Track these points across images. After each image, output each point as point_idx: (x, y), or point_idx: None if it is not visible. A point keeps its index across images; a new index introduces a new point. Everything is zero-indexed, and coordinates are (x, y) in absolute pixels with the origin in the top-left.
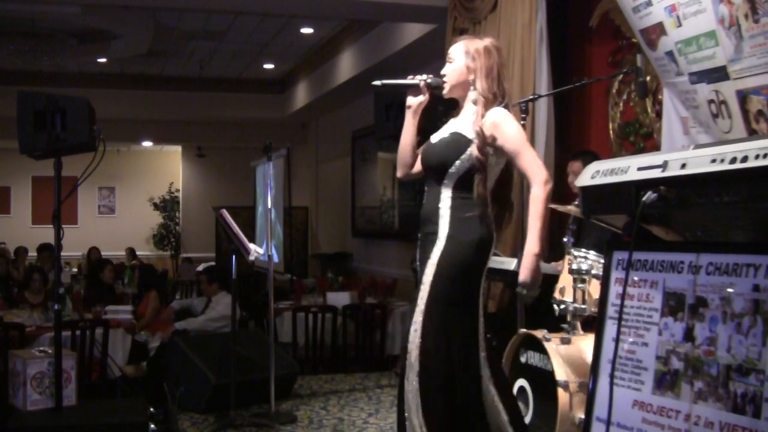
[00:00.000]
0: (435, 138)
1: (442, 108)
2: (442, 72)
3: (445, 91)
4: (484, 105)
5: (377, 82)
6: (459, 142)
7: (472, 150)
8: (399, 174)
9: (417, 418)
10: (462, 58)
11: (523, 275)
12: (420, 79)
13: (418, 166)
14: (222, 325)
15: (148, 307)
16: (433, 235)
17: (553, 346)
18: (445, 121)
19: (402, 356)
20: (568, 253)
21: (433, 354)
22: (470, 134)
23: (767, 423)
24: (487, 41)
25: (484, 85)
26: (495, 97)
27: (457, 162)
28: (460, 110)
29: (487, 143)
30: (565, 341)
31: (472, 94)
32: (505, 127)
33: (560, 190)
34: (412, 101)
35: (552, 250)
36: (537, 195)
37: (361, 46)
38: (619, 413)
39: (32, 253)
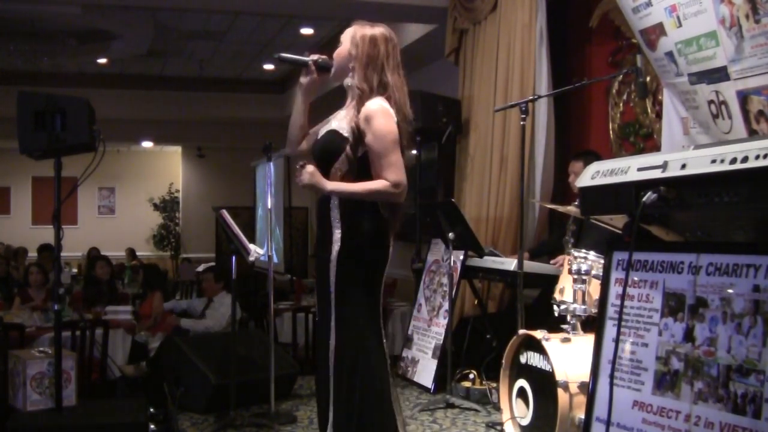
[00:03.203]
0: (320, 131)
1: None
2: (335, 54)
3: (331, 75)
4: (359, 97)
5: (278, 55)
6: (334, 142)
7: (348, 151)
8: (287, 150)
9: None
10: (348, 43)
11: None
12: (311, 59)
13: (306, 144)
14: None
15: (154, 308)
16: (328, 236)
17: (553, 346)
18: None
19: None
20: (568, 253)
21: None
22: (346, 132)
23: (767, 424)
24: (377, 30)
25: (360, 75)
26: (372, 90)
27: (336, 164)
28: (347, 100)
29: (362, 140)
30: (565, 341)
31: (348, 81)
32: (374, 122)
33: (561, 191)
34: (303, 80)
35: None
36: (378, 182)
37: None
38: (619, 413)
39: (32, 254)
